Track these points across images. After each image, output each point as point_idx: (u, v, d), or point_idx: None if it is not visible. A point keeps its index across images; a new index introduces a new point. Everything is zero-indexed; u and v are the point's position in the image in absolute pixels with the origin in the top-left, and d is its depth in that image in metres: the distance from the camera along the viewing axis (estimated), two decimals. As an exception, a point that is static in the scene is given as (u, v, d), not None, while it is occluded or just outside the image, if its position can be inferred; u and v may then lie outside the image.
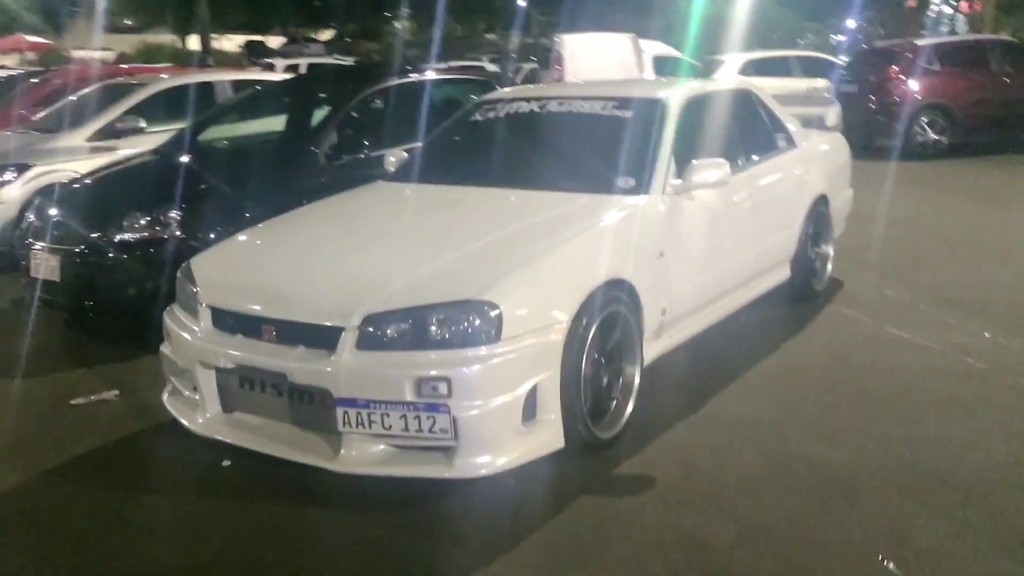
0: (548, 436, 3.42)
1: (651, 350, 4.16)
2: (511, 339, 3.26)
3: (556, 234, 3.77)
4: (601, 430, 3.73)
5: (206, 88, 8.41)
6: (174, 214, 5.42)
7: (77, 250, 5.47)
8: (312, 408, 3.36)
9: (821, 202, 5.90)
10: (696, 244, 4.46)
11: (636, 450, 3.80)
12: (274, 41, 49.44)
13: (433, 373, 3.16)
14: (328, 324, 3.31)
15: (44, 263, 5.57)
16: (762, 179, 5.17)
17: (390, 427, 3.23)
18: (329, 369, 3.25)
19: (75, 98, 8.79)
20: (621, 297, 3.79)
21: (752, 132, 5.33)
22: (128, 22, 72.16)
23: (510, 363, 3.25)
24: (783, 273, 5.61)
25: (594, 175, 4.38)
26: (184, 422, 3.71)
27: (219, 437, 3.58)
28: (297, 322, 3.39)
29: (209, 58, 31.05)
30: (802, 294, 5.83)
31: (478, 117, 5.13)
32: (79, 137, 7.86)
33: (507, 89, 5.27)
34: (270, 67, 24.48)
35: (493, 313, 3.23)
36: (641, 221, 4.07)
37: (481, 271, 3.43)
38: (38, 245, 5.65)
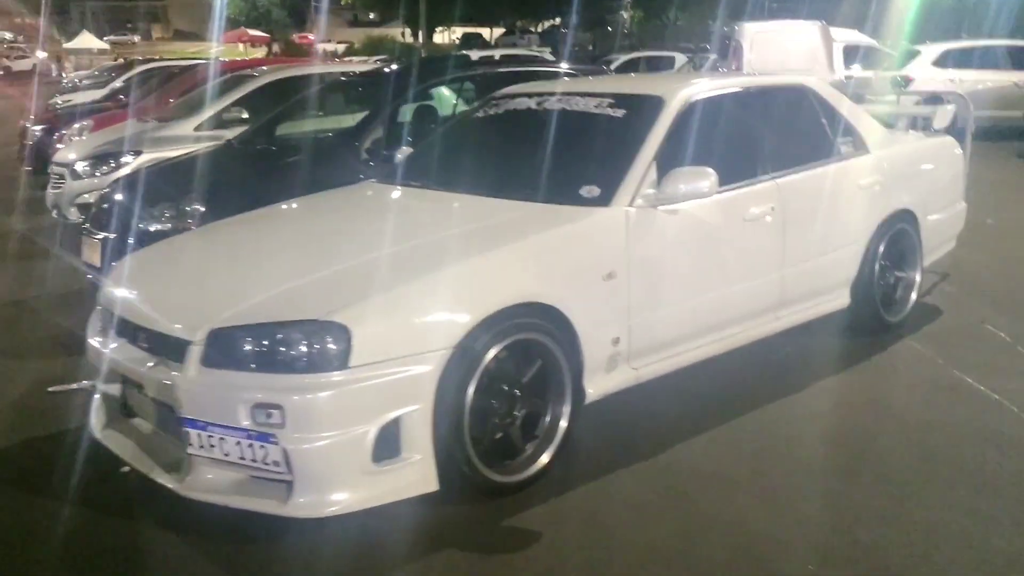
0: (414, 477, 3.04)
1: (602, 384, 3.65)
2: (364, 367, 2.90)
3: (465, 249, 3.35)
4: (504, 473, 3.29)
5: (310, 81, 8.46)
6: (197, 206, 5.42)
7: (112, 237, 5.59)
8: (172, 423, 3.15)
9: (902, 218, 5.03)
10: (677, 265, 3.87)
11: (548, 498, 3.32)
12: (496, 33, 50.62)
13: (266, 399, 2.87)
14: (178, 337, 3.09)
15: (89, 247, 5.76)
16: (802, 190, 4.44)
17: (228, 453, 2.97)
18: (172, 384, 3.04)
19: (202, 89, 9.16)
20: (539, 324, 3.32)
21: (796, 136, 4.59)
22: (372, 16, 76.68)
23: (359, 394, 2.89)
24: (838, 300, 4.82)
25: (556, 182, 3.90)
26: (91, 424, 3.62)
27: (104, 442, 3.46)
28: (157, 332, 3.20)
29: (422, 50, 32.18)
30: (871, 325, 5.00)
31: (479, 115, 4.74)
32: (188, 126, 8.16)
33: (521, 85, 4.83)
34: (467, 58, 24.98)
35: (341, 337, 2.88)
36: (586, 237, 3.56)
37: (346, 289, 3.09)
38: (87, 229, 5.86)
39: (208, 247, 3.83)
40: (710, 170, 3.74)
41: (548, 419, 3.47)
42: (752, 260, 4.22)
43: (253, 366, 2.93)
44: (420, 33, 38.91)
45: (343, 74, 7.63)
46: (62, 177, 8.20)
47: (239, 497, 2.99)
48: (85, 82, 19.74)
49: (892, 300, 5.12)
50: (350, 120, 6.88)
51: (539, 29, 49.67)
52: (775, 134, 4.45)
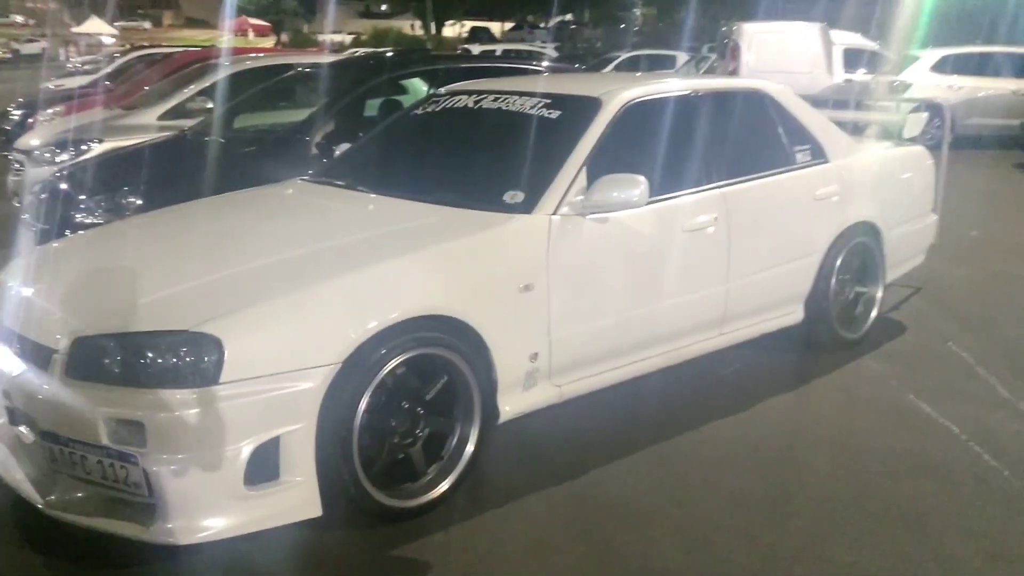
0: (294, 502, 2.83)
1: (519, 402, 3.43)
2: (237, 383, 2.69)
3: (363, 257, 3.13)
4: (399, 497, 3.09)
5: (282, 71, 8.24)
6: (133, 199, 5.22)
7: (46, 228, 5.40)
8: (38, 436, 2.95)
9: (862, 231, 4.80)
10: (605, 277, 3.64)
11: (448, 525, 3.11)
12: (502, 28, 50.38)
13: (127, 415, 2.66)
14: (43, 344, 2.88)
15: (28, 239, 5.57)
16: (750, 200, 4.21)
17: (90, 472, 2.77)
18: (35, 395, 2.84)
19: (173, 78, 8.97)
20: (444, 338, 3.11)
21: (747, 143, 4.36)
22: (383, 8, 76.57)
23: (230, 411, 2.68)
24: (790, 315, 4.60)
25: (479, 187, 3.69)
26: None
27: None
28: (27, 338, 2.99)
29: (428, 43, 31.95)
30: (826, 342, 4.78)
31: (417, 112, 4.52)
32: (152, 115, 7.95)
33: (462, 83, 4.61)
34: (467, 52, 24.82)
35: (212, 350, 2.67)
36: (500, 246, 3.35)
37: (227, 297, 2.87)
38: (26, 219, 5.67)
39: (103, 246, 3.62)
40: (640, 178, 3.51)
41: (455, 440, 3.26)
42: (692, 272, 3.99)
43: (116, 379, 2.72)
44: (429, 26, 38.71)
45: (309, 65, 7.39)
46: (22, 164, 8.01)
47: (103, 519, 2.78)
48: (86, 67, 19.61)
49: (851, 316, 4.90)
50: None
51: (548, 24, 49.30)
52: (724, 141, 4.22)
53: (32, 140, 8.09)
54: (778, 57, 14.50)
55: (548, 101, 4.01)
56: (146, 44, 29.04)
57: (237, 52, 10.58)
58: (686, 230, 3.90)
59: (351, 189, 3.96)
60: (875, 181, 4.96)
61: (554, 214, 3.48)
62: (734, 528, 3.12)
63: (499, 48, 25.47)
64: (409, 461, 3.15)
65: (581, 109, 3.87)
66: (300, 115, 6.81)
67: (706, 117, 4.18)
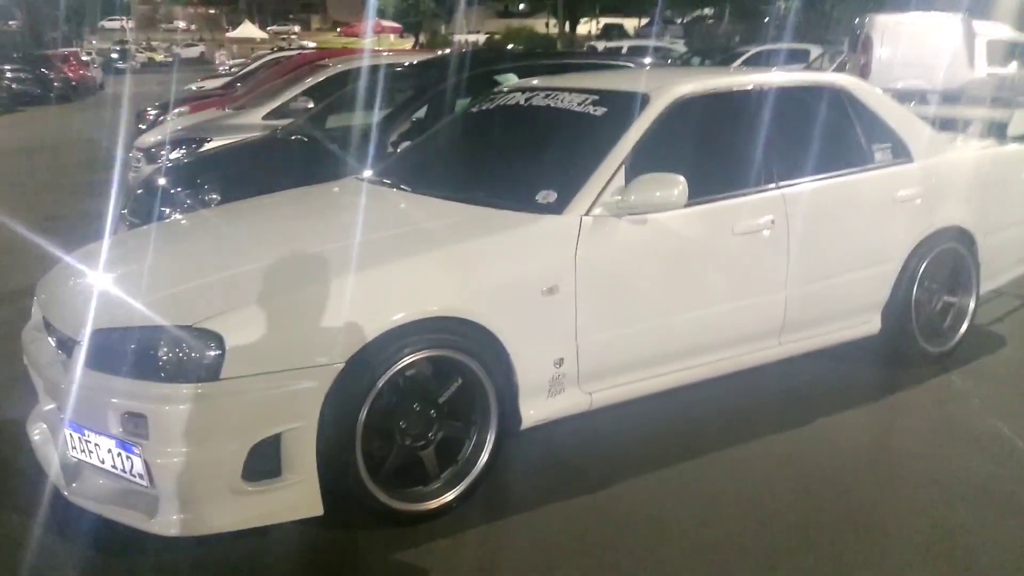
0: (295, 500, 2.83)
1: (544, 408, 3.33)
2: (237, 379, 2.70)
3: (377, 255, 3.09)
4: (407, 500, 3.05)
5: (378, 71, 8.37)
6: (214, 195, 5.40)
7: (140, 223, 5.64)
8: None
9: (952, 236, 4.45)
10: (642, 281, 3.49)
11: (457, 531, 3.05)
12: (638, 24, 49.87)
13: (133, 407, 2.72)
14: (69, 335, 2.98)
15: (123, 235, 5.84)
16: (816, 202, 3.96)
17: (103, 461, 2.86)
18: (60, 385, 2.94)
19: (281, 80, 9.25)
20: (457, 340, 3.05)
21: (816, 141, 4.08)
22: (521, 7, 77.28)
23: (230, 408, 2.70)
24: (864, 326, 4.30)
25: (515, 185, 3.60)
26: (31, 416, 3.58)
27: (30, 435, 3.39)
28: (59, 330, 3.10)
29: (558, 42, 31.97)
30: (909, 356, 4.45)
31: (472, 111, 4.46)
32: (257, 115, 8.23)
33: (521, 80, 4.52)
34: (593, 49, 24.70)
35: (213, 345, 2.70)
36: (523, 247, 3.25)
37: (236, 293, 2.89)
38: (125, 215, 5.95)
39: (146, 243, 3.73)
40: (679, 178, 3.35)
41: (472, 445, 3.19)
42: (744, 278, 3.78)
43: (126, 371, 2.78)
44: (562, 23, 38.75)
45: (399, 65, 7.47)
46: (140, 161, 8.43)
47: (114, 508, 2.85)
48: (233, 70, 20.57)
49: (937, 328, 4.54)
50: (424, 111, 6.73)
51: (684, 20, 48.45)
52: (788, 139, 3.97)
53: (149, 139, 8.51)
54: (914, 50, 13.74)
55: (596, 98, 3.88)
56: (287, 47, 30.17)
57: (345, 53, 10.84)
58: (737, 233, 3.70)
59: (393, 187, 3.95)
60: (968, 182, 4.58)
61: (586, 215, 3.36)
62: (757, 553, 2.93)
63: (626, 44, 25.19)
64: (421, 464, 3.10)
65: (627, 105, 3.72)
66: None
67: (768, 113, 3.95)
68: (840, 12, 46.58)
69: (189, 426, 2.68)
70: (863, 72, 14.03)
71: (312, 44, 38.92)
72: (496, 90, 4.52)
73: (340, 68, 8.41)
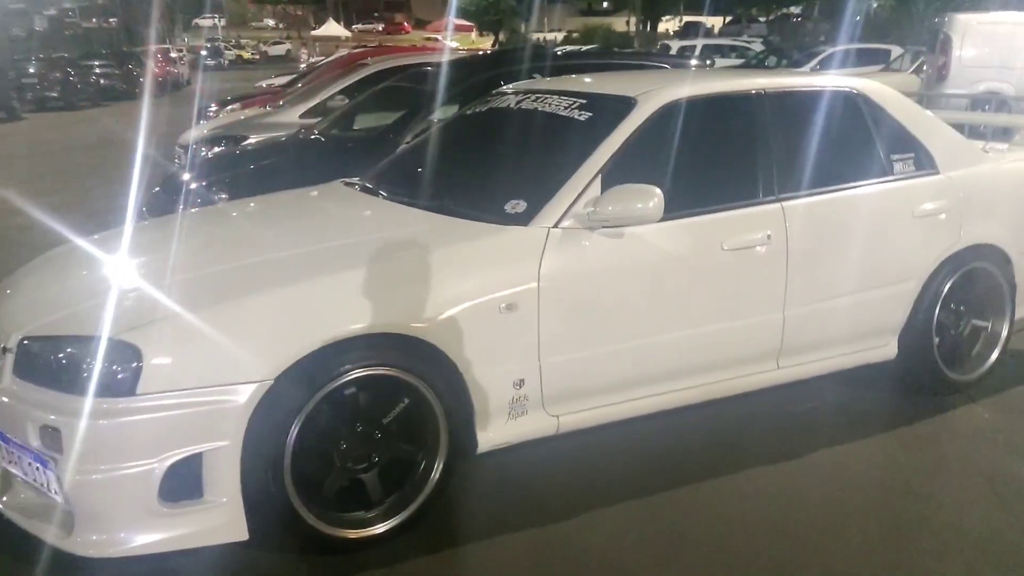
0: (218, 523, 2.69)
1: (504, 432, 3.13)
2: (155, 395, 2.58)
3: (321, 266, 2.94)
4: (344, 527, 2.89)
5: (418, 70, 8.26)
6: (222, 194, 5.35)
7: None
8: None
9: (982, 255, 4.09)
10: (617, 298, 3.25)
11: (394, 561, 2.87)
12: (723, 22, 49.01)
13: (49, 420, 2.62)
14: (2, 345, 2.90)
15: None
16: (820, 216, 3.67)
17: (26, 473, 2.77)
18: (-9, 391, 2.86)
19: (324, 78, 9.22)
20: (400, 358, 2.87)
21: (825, 151, 3.77)
22: (605, 5, 76.72)
23: (146, 424, 2.58)
24: (878, 350, 3.98)
25: (486, 194, 3.41)
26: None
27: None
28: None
29: (635, 41, 31.57)
30: (930, 384, 4.11)
31: (465, 114, 4.28)
32: (294, 114, 8.20)
33: (519, 83, 4.32)
34: (665, 48, 24.28)
35: (130, 359, 2.58)
36: (479, 260, 3.05)
37: (162, 304, 2.76)
38: (144, 211, 5.95)
39: (106, 248, 3.62)
40: (655, 189, 3.11)
41: (421, 469, 3.01)
42: (734, 297, 3.51)
43: (45, 381, 2.68)
44: (644, 21, 38.37)
45: (430, 64, 7.32)
46: (180, 158, 8.49)
47: (36, 522, 2.76)
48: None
49: (964, 354, 4.19)
50: (441, 112, 6.60)
51: (770, 17, 47.33)
52: (793, 147, 3.68)
53: (191, 136, 8.56)
54: (998, 52, 13.08)
55: (584, 102, 3.66)
56: (369, 45, 30.42)
57: (397, 51, 10.77)
58: (728, 249, 3.43)
59: (371, 194, 3.79)
60: (1004, 197, 4.20)
61: (555, 227, 3.15)
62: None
63: (700, 43, 24.67)
64: (363, 488, 2.93)
65: (612, 110, 3.50)
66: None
67: (772, 121, 3.66)
68: (932, 11, 44.92)
69: (102, 442, 2.57)
70: (941, 74, 13.40)
71: (396, 42, 39.24)
72: (493, 92, 4.33)
73: (377, 67, 8.31)
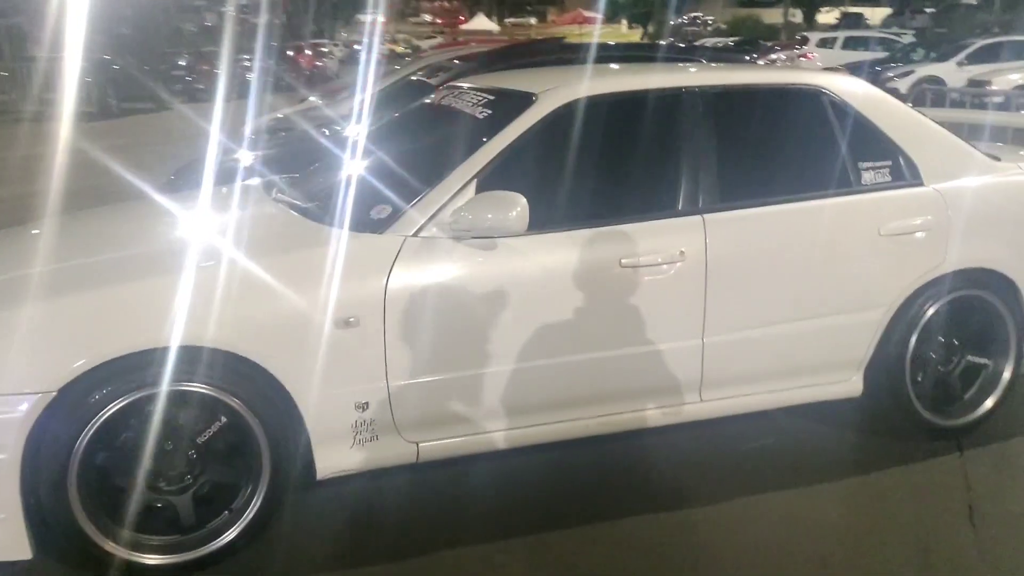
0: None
1: (345, 458, 2.87)
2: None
3: (135, 270, 2.77)
4: (146, 552, 2.69)
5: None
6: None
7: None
8: None
9: (975, 282, 3.50)
10: (486, 317, 2.92)
11: (202, 593, 2.67)
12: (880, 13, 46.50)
13: None
14: None
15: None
16: (755, 232, 3.20)
17: None
18: None
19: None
20: (216, 375, 2.65)
21: (772, 156, 3.31)
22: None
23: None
24: (837, 386, 3.46)
25: (357, 198, 3.12)
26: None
27: None
28: None
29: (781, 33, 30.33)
30: (908, 428, 3.56)
31: (401, 110, 4.02)
32: (346, 106, 8.12)
33: (464, 79, 4.01)
34: (804, 40, 23.11)
35: None
36: (316, 271, 2.78)
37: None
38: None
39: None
40: (519, 198, 2.78)
41: (246, 494, 2.79)
42: (634, 320, 3.09)
43: None
44: (785, 12, 36.77)
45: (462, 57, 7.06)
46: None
47: None
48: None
49: (952, 396, 3.60)
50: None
51: (937, 8, 44.27)
52: (727, 154, 3.22)
53: (250, 125, 8.63)
54: None
55: (491, 98, 3.34)
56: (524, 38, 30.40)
57: (494, 43, 10.56)
58: (627, 266, 3.03)
59: (268, 193, 3.58)
60: (1011, 215, 3.58)
61: (414, 235, 2.85)
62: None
63: (842, 35, 23.38)
64: (176, 511, 2.74)
65: (510, 108, 3.16)
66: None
67: (701, 122, 3.22)
68: None
69: None
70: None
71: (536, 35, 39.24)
72: (442, 88, 4.04)
73: (424, 62, 8.14)
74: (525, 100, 3.14)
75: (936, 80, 16.72)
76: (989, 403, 3.60)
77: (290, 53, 33.54)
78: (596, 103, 3.15)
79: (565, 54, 5.87)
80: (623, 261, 3.02)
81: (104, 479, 2.64)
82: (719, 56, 6.81)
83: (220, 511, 2.77)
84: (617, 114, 3.19)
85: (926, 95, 10.65)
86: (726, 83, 3.36)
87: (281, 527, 2.90)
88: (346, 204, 3.06)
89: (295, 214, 3.17)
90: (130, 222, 3.50)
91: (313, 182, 3.53)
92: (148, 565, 2.68)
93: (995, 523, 3.01)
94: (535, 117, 3.06)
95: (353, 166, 3.44)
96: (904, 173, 3.43)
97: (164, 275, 2.71)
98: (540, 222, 2.94)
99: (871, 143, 3.42)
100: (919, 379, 3.51)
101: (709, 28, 44.36)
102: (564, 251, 2.98)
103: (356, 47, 50.42)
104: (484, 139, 3.04)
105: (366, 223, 2.93)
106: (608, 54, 5.94)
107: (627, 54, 6.03)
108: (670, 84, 3.28)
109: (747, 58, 7.99)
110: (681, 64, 3.81)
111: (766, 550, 2.88)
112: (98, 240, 3.25)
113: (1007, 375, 3.61)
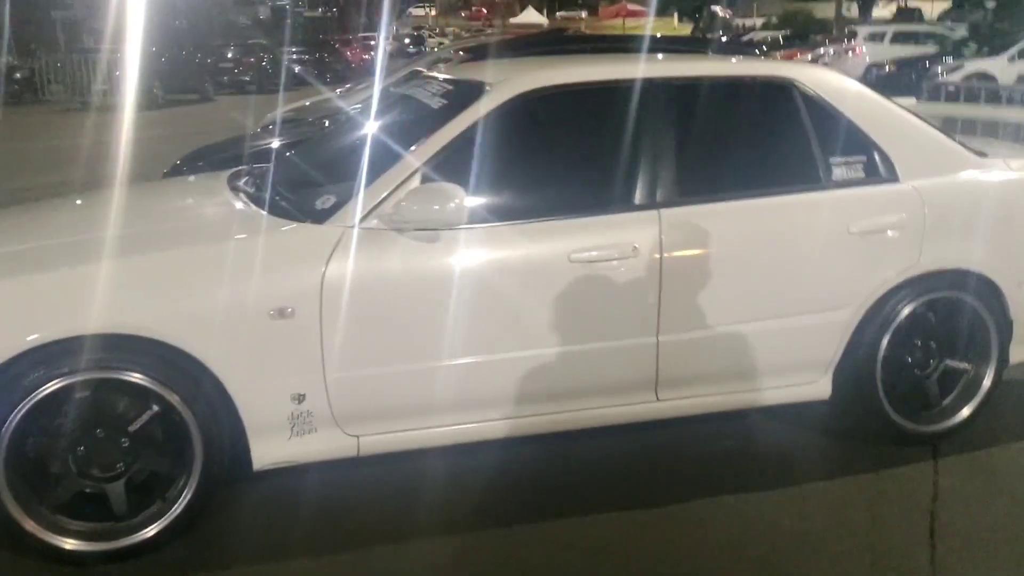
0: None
1: (282, 450, 2.85)
2: None
3: (61, 257, 2.78)
4: (81, 540, 2.71)
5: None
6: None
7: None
8: None
9: (953, 283, 3.36)
10: (427, 310, 2.87)
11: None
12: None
13: None
14: None
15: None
16: (713, 228, 3.11)
17: None
18: None
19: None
20: (145, 362, 2.65)
21: (732, 151, 3.22)
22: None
23: None
24: (804, 388, 3.36)
25: (310, 187, 3.12)
26: None
27: None
28: None
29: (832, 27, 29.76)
30: (880, 433, 3.45)
31: (375, 100, 3.99)
32: (358, 98, 8.12)
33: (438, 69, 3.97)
34: (852, 33, 22.71)
35: None
36: (250, 259, 2.75)
37: None
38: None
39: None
40: (457, 189, 2.74)
41: (181, 484, 2.78)
42: (583, 317, 3.02)
43: None
44: (837, 5, 36.05)
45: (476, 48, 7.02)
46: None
47: None
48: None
49: (928, 401, 3.47)
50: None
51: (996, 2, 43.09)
52: (687, 148, 3.13)
53: (268, 116, 8.68)
54: None
55: (450, 88, 3.29)
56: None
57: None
58: (577, 261, 2.96)
59: (232, 182, 3.57)
60: (993, 214, 3.42)
61: (355, 226, 2.82)
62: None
63: (891, 30, 22.93)
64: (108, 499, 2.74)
65: (463, 98, 3.11)
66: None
67: (661, 115, 3.13)
68: None
69: None
70: None
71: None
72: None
73: (434, 56, 8.13)
74: (477, 90, 3.09)
75: (986, 76, 16.23)
76: (967, 411, 3.46)
77: (337, 47, 33.75)
78: (551, 94, 3.09)
79: (567, 46, 5.79)
80: (572, 255, 2.95)
81: (36, 461, 2.65)
82: (726, 49, 6.66)
83: (153, 501, 2.77)
84: (573, 105, 3.13)
85: (979, 92, 10.01)
86: (690, 75, 3.27)
87: (213, 519, 2.89)
88: (294, 194, 3.04)
89: (243, 203, 3.16)
90: (83, 210, 3.53)
91: (277, 172, 3.51)
92: (65, 550, 2.68)
93: (956, 536, 2.89)
94: (485, 108, 3.00)
95: (311, 156, 3.42)
96: (879, 169, 3.31)
97: (99, 262, 2.70)
98: (488, 215, 2.91)
99: (844, 138, 3.30)
100: (892, 383, 3.38)
101: (758, 24, 43.60)
102: (510, 244, 2.93)
103: (406, 41, 50.72)
104: (426, 130, 3.00)
105: (310, 213, 2.91)
106: (606, 45, 5.87)
107: (621, 45, 5.93)
108: (630, 76, 3.19)
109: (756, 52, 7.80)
110: (649, 55, 3.67)
111: (711, 552, 2.80)
112: (44, 228, 3.27)
113: (987, 382, 3.46)
